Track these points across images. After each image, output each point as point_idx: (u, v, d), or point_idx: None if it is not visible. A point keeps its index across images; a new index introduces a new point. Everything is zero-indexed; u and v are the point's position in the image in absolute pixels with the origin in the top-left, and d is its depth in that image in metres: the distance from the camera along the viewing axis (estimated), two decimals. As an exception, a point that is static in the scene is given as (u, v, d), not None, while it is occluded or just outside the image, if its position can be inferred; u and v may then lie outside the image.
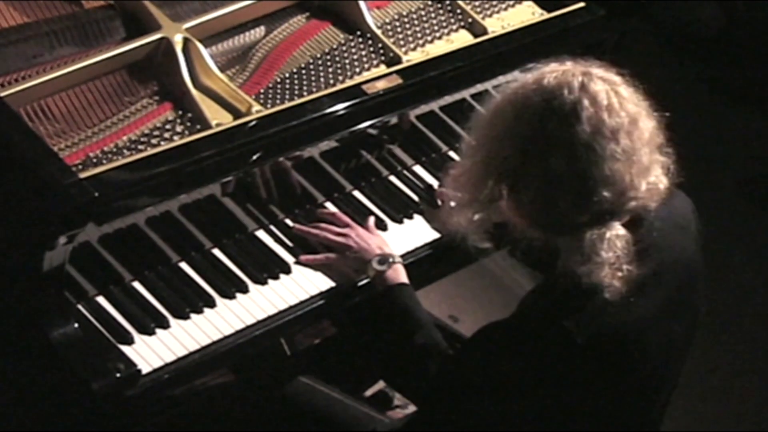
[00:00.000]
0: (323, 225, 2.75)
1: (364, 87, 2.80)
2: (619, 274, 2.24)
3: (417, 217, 2.95)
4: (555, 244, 2.29)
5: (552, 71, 2.25)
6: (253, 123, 2.63)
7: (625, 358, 2.31)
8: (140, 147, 2.55)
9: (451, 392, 2.41)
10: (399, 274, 2.62)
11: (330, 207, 2.88)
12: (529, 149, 2.21)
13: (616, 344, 2.28)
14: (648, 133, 2.25)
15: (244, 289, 2.63)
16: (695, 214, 2.48)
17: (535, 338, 2.28)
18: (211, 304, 2.58)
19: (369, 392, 3.19)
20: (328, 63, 2.91)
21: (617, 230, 2.25)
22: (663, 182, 2.31)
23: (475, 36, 3.14)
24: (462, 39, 3.13)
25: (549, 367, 2.27)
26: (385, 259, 2.63)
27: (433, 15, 3.16)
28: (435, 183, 3.04)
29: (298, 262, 2.71)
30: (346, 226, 2.74)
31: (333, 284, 2.69)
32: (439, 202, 2.96)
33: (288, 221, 2.81)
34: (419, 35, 3.08)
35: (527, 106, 2.22)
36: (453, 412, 2.43)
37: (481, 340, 2.40)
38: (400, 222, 2.92)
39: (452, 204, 2.44)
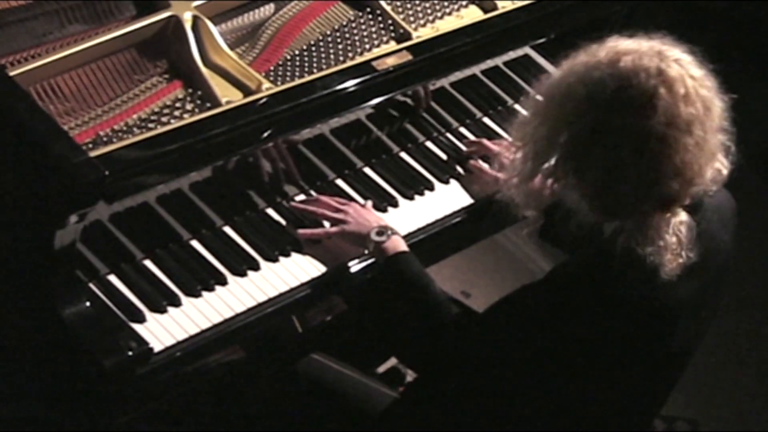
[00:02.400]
0: (322, 201, 2.75)
1: (374, 63, 2.80)
2: (680, 260, 2.23)
3: (428, 194, 2.94)
4: (606, 227, 2.28)
5: (627, 52, 2.19)
6: (263, 100, 2.63)
7: (658, 337, 2.30)
8: (150, 125, 2.55)
9: (470, 360, 2.40)
10: (398, 244, 2.62)
11: (341, 184, 2.88)
12: (600, 136, 2.17)
13: (656, 320, 2.28)
14: (718, 119, 2.24)
15: (255, 267, 2.64)
16: (734, 211, 2.47)
17: (576, 303, 2.26)
18: (223, 281, 2.58)
19: (381, 369, 3.19)
20: (338, 40, 2.90)
21: (682, 216, 2.24)
22: (725, 166, 2.30)
23: (485, 11, 3.13)
24: (472, 14, 3.12)
25: (585, 327, 2.26)
26: (383, 230, 2.63)
27: (443, -9, 3.15)
28: (446, 158, 3.04)
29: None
30: (343, 204, 2.74)
31: (343, 262, 2.69)
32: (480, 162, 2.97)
33: (298, 199, 2.81)
34: (429, 11, 3.07)
35: (601, 90, 2.16)
36: (467, 382, 2.43)
37: (510, 306, 2.38)
38: (411, 198, 2.92)
39: (510, 174, 2.40)
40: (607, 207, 2.25)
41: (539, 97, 2.32)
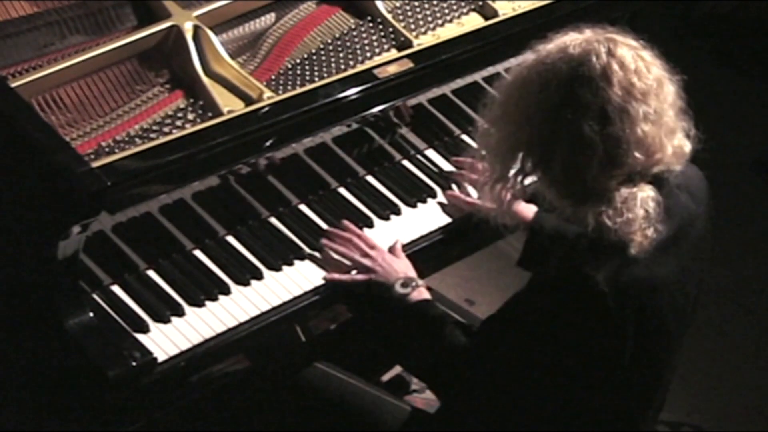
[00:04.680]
0: (353, 242, 2.70)
1: (375, 71, 2.80)
2: (648, 232, 2.26)
3: (430, 201, 2.94)
4: (584, 214, 2.29)
5: (575, 40, 2.28)
6: (265, 109, 2.63)
7: (642, 315, 2.31)
8: (152, 135, 2.55)
9: (474, 375, 2.41)
10: (422, 295, 2.59)
11: (343, 192, 2.88)
12: (560, 117, 2.23)
13: (636, 299, 2.29)
14: (671, 96, 2.31)
15: (259, 276, 2.64)
16: (706, 186, 2.49)
17: (560, 289, 2.29)
18: (226, 291, 2.58)
19: (386, 377, 3.19)
20: (339, 48, 2.90)
21: (648, 191, 2.28)
22: (686, 145, 2.36)
23: (486, 19, 3.13)
24: (473, 22, 3.12)
25: (574, 317, 2.28)
26: (408, 282, 2.60)
27: (443, -2, 3.15)
28: (448, 167, 3.04)
29: (311, 253, 2.71)
30: (373, 247, 2.69)
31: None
32: (454, 186, 2.96)
33: (301, 207, 2.81)
34: (430, 19, 3.08)
35: (555, 75, 2.24)
36: (478, 391, 2.43)
37: (509, 311, 2.41)
38: (414, 206, 2.92)
39: (480, 183, 2.45)
40: (577, 191, 2.29)
41: (497, 101, 2.38)
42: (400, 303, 2.58)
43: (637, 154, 2.24)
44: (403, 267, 2.65)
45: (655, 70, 2.29)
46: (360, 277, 2.65)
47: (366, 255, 2.67)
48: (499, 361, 2.38)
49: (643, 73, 2.25)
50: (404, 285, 2.59)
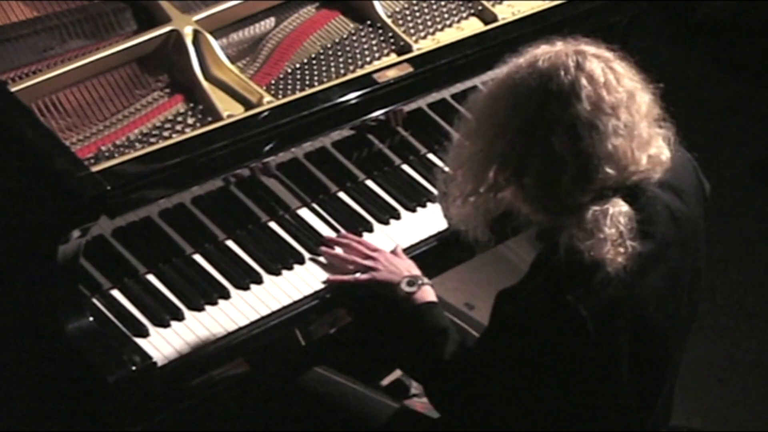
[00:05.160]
0: (352, 246, 2.71)
1: (374, 76, 2.80)
2: (621, 250, 2.23)
3: (430, 206, 2.94)
4: (559, 226, 2.28)
5: (544, 53, 2.26)
6: (265, 114, 2.63)
7: (630, 333, 2.30)
8: (152, 139, 2.55)
9: (475, 380, 2.40)
10: (428, 295, 2.58)
11: (343, 197, 2.88)
12: (531, 133, 2.22)
13: (620, 318, 2.28)
14: (645, 107, 2.28)
15: (258, 280, 2.64)
16: (697, 172, 2.48)
17: (541, 314, 2.27)
18: (226, 295, 2.58)
19: (385, 381, 3.18)
20: (339, 53, 2.91)
21: (620, 206, 2.25)
22: (665, 153, 2.33)
23: (486, 23, 3.14)
24: (472, 26, 3.13)
25: (558, 343, 2.26)
26: (414, 280, 2.59)
27: (443, 3, 3.16)
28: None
29: (311, 258, 2.71)
30: (374, 250, 2.69)
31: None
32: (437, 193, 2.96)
33: (301, 212, 2.81)
34: (429, 23, 3.08)
35: (524, 90, 2.23)
36: (473, 398, 2.43)
37: (495, 325, 2.40)
38: (414, 210, 2.92)
39: (453, 197, 2.43)
40: (549, 205, 2.28)
41: (469, 116, 2.37)
42: (405, 303, 2.56)
43: (608, 169, 2.21)
44: (407, 266, 2.65)
45: (626, 82, 2.25)
46: (364, 277, 2.64)
47: (368, 257, 2.66)
48: (495, 377, 2.37)
49: (612, 86, 2.22)
50: (410, 283, 2.58)
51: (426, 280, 2.61)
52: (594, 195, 2.24)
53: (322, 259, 2.71)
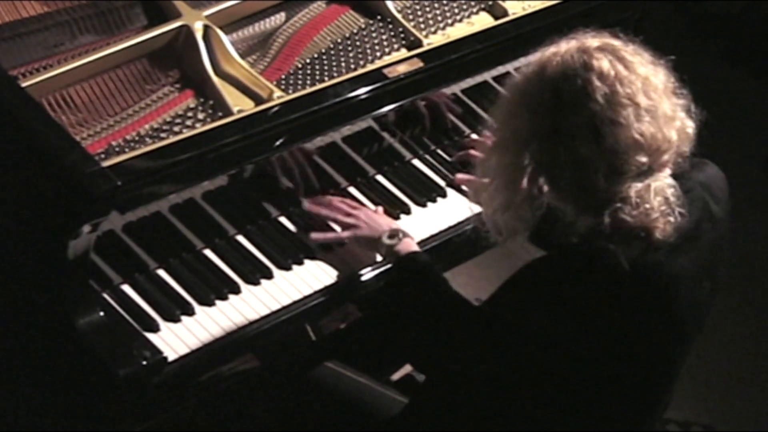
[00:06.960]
0: (333, 204, 2.77)
1: (385, 71, 2.80)
2: (671, 218, 2.24)
3: (440, 201, 2.95)
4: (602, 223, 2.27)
5: (551, 59, 2.25)
6: (275, 109, 2.63)
7: (660, 303, 2.30)
8: (162, 135, 2.55)
9: (487, 348, 2.37)
10: (410, 246, 2.64)
11: (353, 191, 2.89)
12: (554, 144, 2.21)
13: (656, 285, 2.28)
14: (662, 84, 2.27)
15: (269, 275, 2.64)
16: (727, 189, 2.48)
17: (578, 265, 2.26)
18: (236, 290, 2.59)
19: (396, 377, 3.18)
20: (349, 48, 2.90)
21: (665, 180, 2.26)
22: (688, 125, 2.32)
23: (496, 18, 3.13)
24: (483, 21, 3.12)
25: (589, 295, 2.25)
26: (395, 233, 2.65)
27: (453, -2, 3.15)
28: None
29: (321, 253, 2.71)
30: (355, 207, 2.76)
31: (356, 269, 2.69)
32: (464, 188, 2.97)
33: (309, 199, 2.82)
34: (440, 18, 3.07)
35: (539, 107, 2.23)
36: (480, 384, 2.42)
37: (520, 281, 2.38)
38: (424, 206, 2.92)
39: (491, 208, 2.41)
40: (591, 203, 2.26)
41: (492, 130, 2.38)
42: (390, 257, 2.63)
43: (638, 158, 2.21)
44: (388, 221, 2.73)
45: (637, 67, 2.24)
46: (346, 234, 2.72)
47: (349, 214, 2.73)
48: (502, 334, 2.34)
49: (624, 78, 2.21)
50: (391, 236, 2.65)
51: (407, 232, 2.67)
52: (633, 180, 2.23)
53: (330, 255, 2.72)
